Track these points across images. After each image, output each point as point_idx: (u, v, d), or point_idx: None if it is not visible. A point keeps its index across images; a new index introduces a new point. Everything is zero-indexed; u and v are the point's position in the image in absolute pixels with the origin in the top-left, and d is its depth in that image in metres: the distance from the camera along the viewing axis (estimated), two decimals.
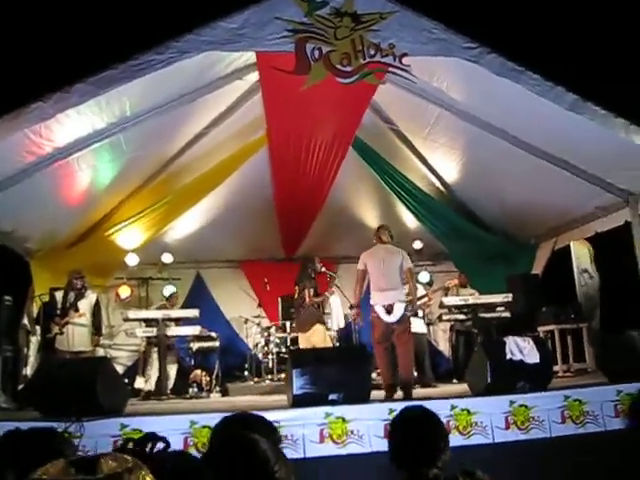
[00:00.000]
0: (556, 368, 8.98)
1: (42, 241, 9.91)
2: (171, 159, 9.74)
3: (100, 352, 9.73)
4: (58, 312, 9.02)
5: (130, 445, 1.61)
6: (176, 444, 5.25)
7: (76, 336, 8.95)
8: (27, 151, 7.58)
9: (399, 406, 5.75)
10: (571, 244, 11.18)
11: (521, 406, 5.97)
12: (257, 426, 2.67)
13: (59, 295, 9.16)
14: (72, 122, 7.41)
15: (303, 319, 9.19)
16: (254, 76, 8.35)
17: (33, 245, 9.97)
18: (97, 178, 9.12)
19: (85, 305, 9.20)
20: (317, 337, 8.95)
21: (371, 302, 7.51)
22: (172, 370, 9.95)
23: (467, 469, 2.39)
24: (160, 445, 1.69)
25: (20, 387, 8.75)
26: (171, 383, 9.83)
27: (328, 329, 9.79)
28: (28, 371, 9.32)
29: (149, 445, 1.66)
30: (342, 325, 10.55)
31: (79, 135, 7.83)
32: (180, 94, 8.12)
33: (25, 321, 9.78)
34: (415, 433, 2.95)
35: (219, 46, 7.01)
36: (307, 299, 8.99)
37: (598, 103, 7.63)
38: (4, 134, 6.79)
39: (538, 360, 6.60)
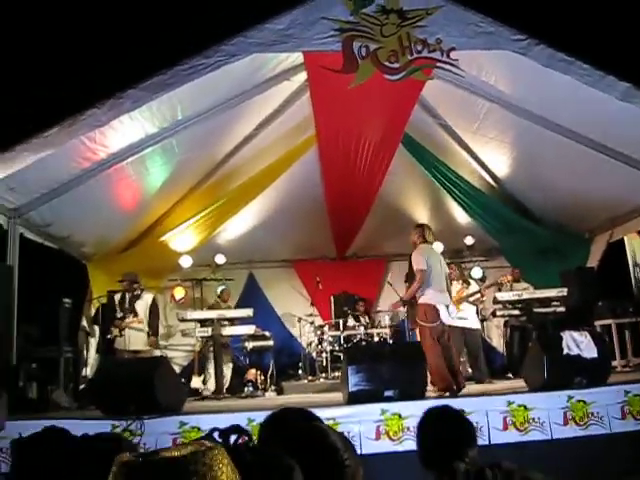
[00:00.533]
0: (614, 363, 8.83)
1: (97, 245, 10.14)
2: (221, 161, 9.86)
3: (157, 352, 9.88)
4: (117, 315, 9.20)
5: (216, 434, 1.66)
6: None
7: (133, 336, 9.12)
8: (82, 157, 7.76)
9: (454, 403, 5.78)
10: (625, 238, 10.98)
11: (579, 401, 5.90)
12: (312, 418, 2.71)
13: (117, 297, 9.35)
14: (125, 127, 7.56)
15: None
16: (302, 76, 8.40)
17: (89, 249, 10.20)
18: (150, 182, 9.29)
19: (142, 306, 9.36)
20: None
21: (429, 301, 7.42)
22: (228, 369, 10.08)
23: (494, 462, 2.38)
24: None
25: (81, 387, 8.96)
26: (227, 382, 9.96)
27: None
28: (88, 372, 9.55)
29: (233, 437, 1.70)
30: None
31: (132, 140, 7.99)
32: (229, 96, 8.21)
33: (84, 323, 10.02)
34: (440, 433, 2.97)
35: (267, 47, 7.07)
36: None
37: None
38: (61, 141, 6.97)
39: (596, 355, 6.51)
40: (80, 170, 8.02)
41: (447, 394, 6.86)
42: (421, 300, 7.49)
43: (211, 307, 10.77)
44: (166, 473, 1.22)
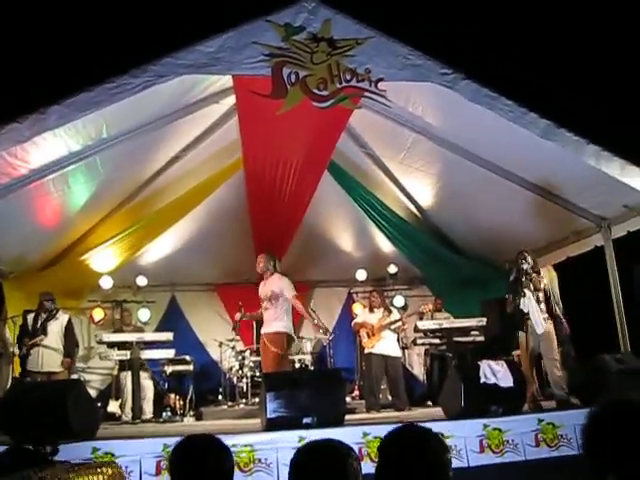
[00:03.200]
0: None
1: (14, 263, 9.82)
2: (147, 182, 9.71)
3: (74, 375, 9.61)
4: (28, 334, 8.92)
5: None
6: (149, 468, 5.21)
7: (46, 357, 8.87)
8: (2, 172, 7.52)
9: (373, 430, 5.79)
10: (541, 270, 11.25)
11: (495, 429, 5.98)
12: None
13: (30, 317, 9.07)
14: (48, 144, 7.37)
15: None
16: (231, 100, 8.39)
17: (5, 267, 9.87)
18: (72, 200, 9.06)
19: (56, 327, 9.10)
20: None
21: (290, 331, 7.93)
22: (149, 393, 9.88)
23: None
24: None
25: None
26: (150, 406, 9.77)
27: None
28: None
29: None
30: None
31: (54, 157, 7.79)
32: (157, 117, 8.13)
33: None
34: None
35: (196, 69, 7.04)
36: None
37: (572, 129, 7.77)
38: None
39: (512, 384, 6.63)
40: None
41: None
42: (283, 329, 7.78)
43: (116, 330, 10.58)
44: None
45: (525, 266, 7.67)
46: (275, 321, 7.81)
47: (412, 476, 2.37)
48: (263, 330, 7.97)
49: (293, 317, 8.24)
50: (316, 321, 8.21)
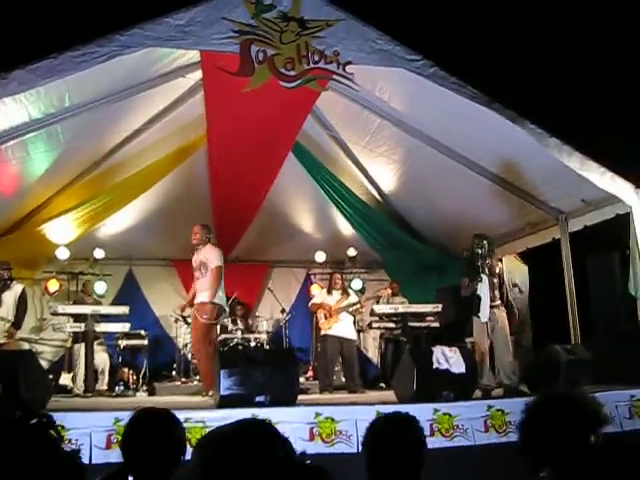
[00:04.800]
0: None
1: None
2: (108, 154, 9.59)
3: (25, 346, 9.51)
4: None
5: None
6: (99, 441, 5.18)
7: None
8: None
9: (325, 410, 5.84)
10: (503, 258, 11.42)
11: (445, 414, 6.06)
12: None
13: None
14: (8, 109, 7.24)
15: None
16: (197, 75, 8.32)
17: None
18: (30, 168, 8.91)
19: (10, 297, 8.99)
20: None
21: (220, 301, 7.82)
22: (105, 367, 9.81)
23: None
24: None
25: None
26: (105, 379, 9.72)
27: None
28: None
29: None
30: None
31: (14, 123, 7.64)
32: (121, 88, 8.02)
33: None
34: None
35: (163, 42, 6.94)
36: None
37: (533, 122, 7.87)
38: None
39: (464, 370, 6.73)
40: None
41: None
42: (215, 299, 7.72)
43: (76, 301, 10.47)
44: None
45: (480, 250, 7.65)
46: (204, 291, 7.78)
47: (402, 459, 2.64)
48: (196, 300, 7.92)
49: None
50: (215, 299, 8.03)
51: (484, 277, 7.54)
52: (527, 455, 2.37)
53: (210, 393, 7.14)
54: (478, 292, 7.53)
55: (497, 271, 7.76)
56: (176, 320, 11.24)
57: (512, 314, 7.89)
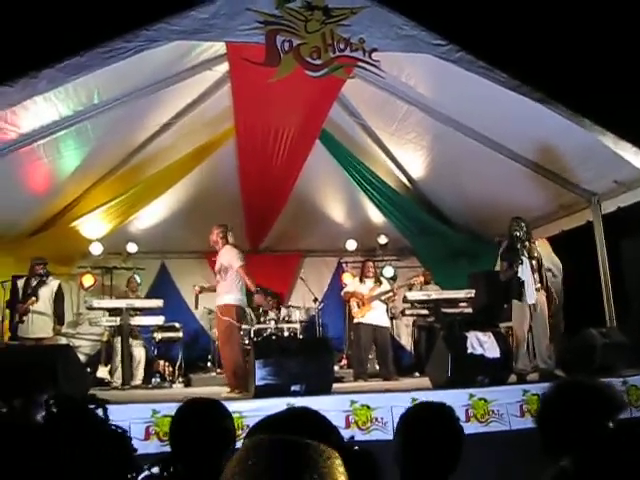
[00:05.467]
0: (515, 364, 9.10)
1: (5, 228, 9.77)
2: (137, 149, 9.68)
3: (63, 340, 9.64)
4: (19, 299, 8.95)
5: None
6: (138, 433, 5.26)
7: (36, 323, 8.91)
8: None
9: (360, 398, 5.86)
10: (535, 242, 11.31)
11: (480, 399, 6.06)
12: None
13: (21, 282, 9.09)
14: (38, 108, 7.34)
15: None
16: (224, 67, 8.36)
17: None
18: (62, 166, 9.03)
19: (46, 292, 9.12)
20: None
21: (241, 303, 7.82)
22: (141, 360, 9.93)
23: None
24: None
25: None
26: (141, 372, 9.84)
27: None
28: None
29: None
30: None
31: (45, 121, 7.74)
32: (149, 83, 8.09)
33: None
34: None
35: (189, 36, 6.98)
36: None
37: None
38: None
39: (498, 355, 6.72)
40: None
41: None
42: (232, 301, 7.68)
43: (120, 297, 10.57)
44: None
45: (519, 233, 7.59)
46: (226, 294, 7.74)
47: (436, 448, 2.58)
48: (217, 302, 7.94)
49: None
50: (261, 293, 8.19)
51: (524, 260, 7.48)
52: (546, 445, 2.36)
53: (236, 391, 7.19)
54: (519, 275, 7.46)
55: (535, 254, 7.68)
56: (210, 312, 11.32)
57: (551, 298, 7.80)
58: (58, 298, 9.28)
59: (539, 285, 7.59)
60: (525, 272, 7.46)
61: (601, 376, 6.10)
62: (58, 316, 9.21)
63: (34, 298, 8.96)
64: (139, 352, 9.97)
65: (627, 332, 7.87)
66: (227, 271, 7.72)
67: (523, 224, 7.68)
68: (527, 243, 7.62)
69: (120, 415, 5.28)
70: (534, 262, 7.60)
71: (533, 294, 7.44)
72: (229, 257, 7.74)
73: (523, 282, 7.46)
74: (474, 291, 9.98)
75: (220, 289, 7.82)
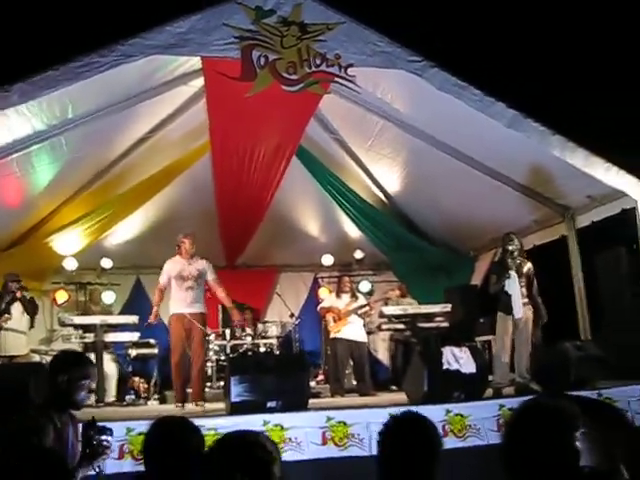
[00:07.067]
0: (492, 377, 9.12)
1: None
2: (112, 163, 9.60)
3: (36, 358, 9.51)
4: None
5: None
6: (112, 451, 5.17)
7: (9, 341, 8.79)
8: None
9: (337, 414, 5.83)
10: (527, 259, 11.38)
11: (457, 415, 6.06)
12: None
13: None
14: (11, 122, 7.26)
15: None
16: (199, 82, 8.33)
17: None
18: (36, 180, 8.93)
19: (19, 309, 9.01)
20: None
21: None
22: (113, 377, 9.81)
23: None
24: None
25: None
26: (113, 389, 9.73)
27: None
28: None
29: None
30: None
31: (18, 135, 7.66)
32: (124, 97, 8.05)
33: None
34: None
35: (165, 50, 6.96)
36: None
37: (538, 119, 7.85)
38: None
39: (474, 370, 6.71)
40: None
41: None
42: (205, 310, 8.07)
43: (83, 311, 10.48)
44: None
45: (511, 247, 7.63)
46: (199, 302, 7.90)
47: (414, 460, 2.65)
48: (188, 310, 7.90)
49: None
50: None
51: (513, 274, 7.52)
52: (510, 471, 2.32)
53: (200, 403, 7.30)
54: (506, 289, 7.51)
55: (525, 270, 7.73)
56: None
57: (539, 314, 7.84)
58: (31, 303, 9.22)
59: (526, 300, 7.63)
60: (512, 286, 7.49)
61: (576, 389, 6.17)
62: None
63: (7, 315, 8.85)
64: (111, 368, 9.83)
65: (602, 345, 7.91)
66: (202, 279, 7.81)
67: (516, 239, 7.76)
68: (518, 259, 7.67)
69: None
70: (523, 278, 7.64)
71: (520, 309, 7.48)
72: (206, 267, 7.94)
73: (510, 296, 7.49)
74: (450, 305, 10.02)
75: (194, 296, 7.93)
